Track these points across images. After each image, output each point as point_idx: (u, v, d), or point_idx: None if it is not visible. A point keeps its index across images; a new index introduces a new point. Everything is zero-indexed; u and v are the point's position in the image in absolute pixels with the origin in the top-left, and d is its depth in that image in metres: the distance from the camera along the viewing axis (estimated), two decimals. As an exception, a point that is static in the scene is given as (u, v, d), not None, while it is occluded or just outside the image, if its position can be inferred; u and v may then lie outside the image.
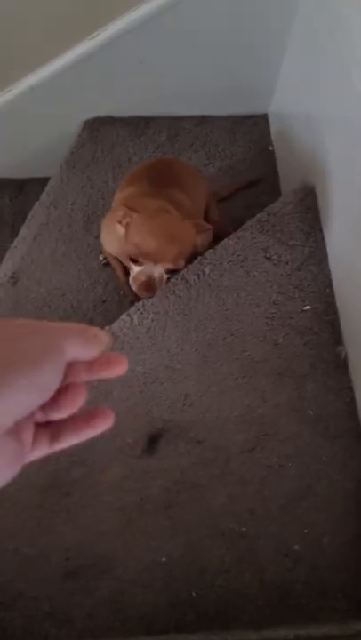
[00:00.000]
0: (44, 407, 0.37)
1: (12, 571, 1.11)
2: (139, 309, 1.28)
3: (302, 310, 1.30)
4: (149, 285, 1.15)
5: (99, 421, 0.40)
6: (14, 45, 1.39)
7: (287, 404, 1.24)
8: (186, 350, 1.26)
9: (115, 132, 1.69)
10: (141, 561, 1.13)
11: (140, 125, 1.73)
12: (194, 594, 1.11)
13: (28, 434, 0.35)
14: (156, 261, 1.14)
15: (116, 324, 1.27)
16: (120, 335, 1.25)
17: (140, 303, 1.29)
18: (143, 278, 1.15)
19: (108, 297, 1.54)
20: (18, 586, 1.10)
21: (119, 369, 0.40)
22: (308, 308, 1.31)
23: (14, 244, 1.56)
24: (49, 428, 0.38)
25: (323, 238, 1.35)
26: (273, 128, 1.78)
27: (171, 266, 1.17)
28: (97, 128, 1.68)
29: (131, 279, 1.19)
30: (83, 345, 0.36)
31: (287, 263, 1.33)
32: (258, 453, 1.21)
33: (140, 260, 1.15)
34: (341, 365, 1.26)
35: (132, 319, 1.27)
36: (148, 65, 1.53)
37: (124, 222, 1.17)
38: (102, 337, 0.38)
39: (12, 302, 1.50)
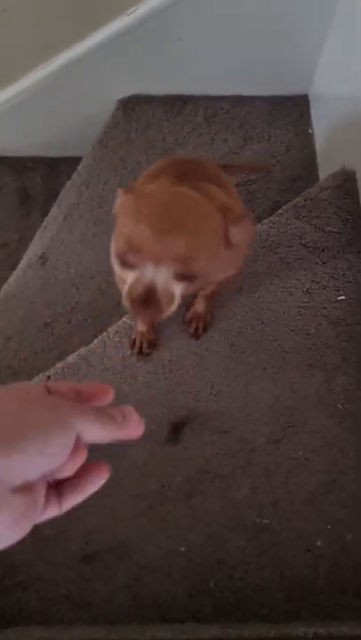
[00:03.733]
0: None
1: (31, 552, 1.11)
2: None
3: (336, 300, 1.26)
4: (148, 299, 0.72)
5: (95, 477, 0.41)
6: (50, 21, 1.36)
7: (316, 397, 1.20)
8: (214, 337, 1.23)
9: (150, 111, 1.65)
10: (160, 549, 1.12)
11: (176, 105, 1.69)
12: (212, 585, 1.10)
13: (40, 494, 0.37)
14: (155, 259, 0.71)
15: (143, 309, 1.24)
16: (147, 319, 1.23)
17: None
18: (140, 289, 0.72)
19: (138, 280, 1.52)
20: (36, 567, 1.10)
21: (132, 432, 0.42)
22: (342, 298, 1.26)
23: (44, 223, 1.55)
24: (56, 489, 0.40)
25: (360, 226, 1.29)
26: (313, 110, 1.72)
27: (180, 268, 0.71)
28: (132, 107, 1.64)
29: (124, 295, 0.75)
30: (100, 428, 0.39)
31: (323, 250, 1.29)
32: (284, 445, 1.18)
33: (131, 258, 0.72)
34: (375, 359, 1.22)
35: (160, 304, 1.25)
36: (187, 42, 1.48)
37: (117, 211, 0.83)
38: (119, 418, 0.40)
39: (41, 282, 1.49)
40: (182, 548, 1.12)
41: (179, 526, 1.13)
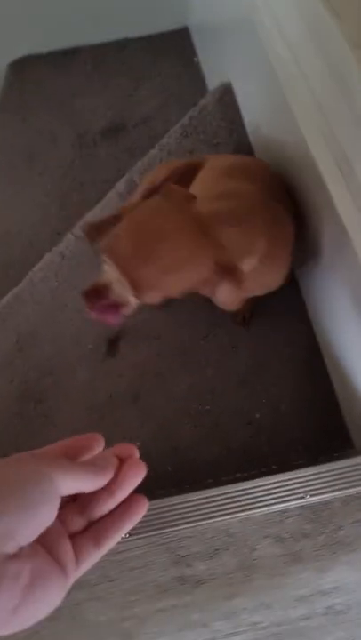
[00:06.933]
0: (83, 511, 0.39)
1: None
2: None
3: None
4: (96, 293, 0.78)
5: (137, 507, 0.41)
6: None
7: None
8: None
9: (40, 69, 1.73)
10: (118, 448, 1.24)
11: (65, 59, 1.77)
12: (170, 468, 1.23)
13: (63, 550, 0.36)
14: (121, 270, 0.75)
15: (63, 244, 1.35)
16: (67, 253, 1.33)
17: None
18: (100, 282, 0.79)
19: (62, 229, 1.61)
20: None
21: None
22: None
23: None
24: (90, 533, 0.39)
25: (245, 133, 1.40)
26: (195, 39, 1.81)
27: (132, 295, 0.78)
28: (21, 69, 1.72)
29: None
30: (78, 474, 0.37)
31: (215, 163, 1.39)
32: (211, 340, 1.31)
33: (105, 258, 0.77)
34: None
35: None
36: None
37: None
38: (101, 462, 0.40)
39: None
40: (138, 444, 1.24)
41: (131, 427, 1.26)
